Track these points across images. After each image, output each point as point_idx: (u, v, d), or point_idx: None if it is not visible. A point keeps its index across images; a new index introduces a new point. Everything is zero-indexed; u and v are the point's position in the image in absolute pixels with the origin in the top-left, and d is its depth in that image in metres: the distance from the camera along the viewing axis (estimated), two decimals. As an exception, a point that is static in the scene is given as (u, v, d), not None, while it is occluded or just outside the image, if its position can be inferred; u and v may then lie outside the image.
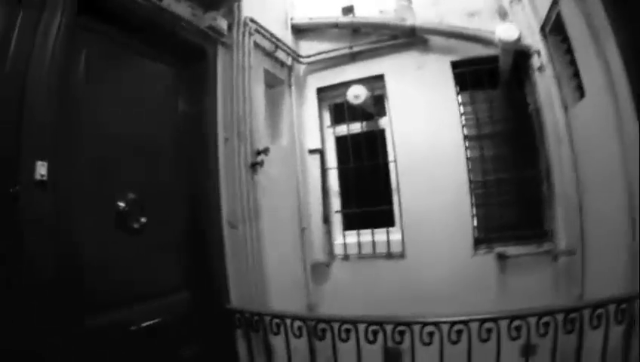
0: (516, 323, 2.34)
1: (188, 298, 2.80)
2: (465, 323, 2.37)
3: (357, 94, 4.13)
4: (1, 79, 1.86)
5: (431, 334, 2.39)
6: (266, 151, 3.41)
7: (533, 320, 2.32)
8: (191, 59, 3.08)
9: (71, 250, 2.11)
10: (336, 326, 2.58)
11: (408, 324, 2.45)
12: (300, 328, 2.69)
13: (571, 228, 3.51)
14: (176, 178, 2.90)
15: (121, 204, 2.42)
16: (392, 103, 4.31)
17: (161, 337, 2.48)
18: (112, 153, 2.44)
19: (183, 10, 2.90)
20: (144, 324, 2.37)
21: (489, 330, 2.34)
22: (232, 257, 3.03)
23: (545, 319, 2.32)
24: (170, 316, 2.56)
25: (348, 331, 2.54)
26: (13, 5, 1.97)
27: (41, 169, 1.93)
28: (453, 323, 2.38)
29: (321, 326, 2.61)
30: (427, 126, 4.11)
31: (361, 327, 2.52)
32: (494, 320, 2.36)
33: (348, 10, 4.44)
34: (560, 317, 2.34)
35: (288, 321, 2.72)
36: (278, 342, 2.80)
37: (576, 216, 3.48)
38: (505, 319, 2.35)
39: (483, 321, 2.36)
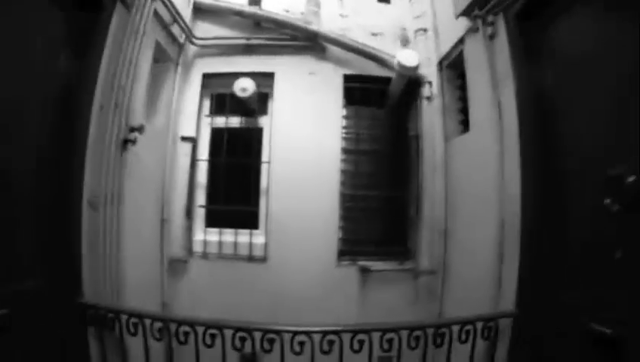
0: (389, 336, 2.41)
1: (37, 287, 2.30)
2: (307, 333, 2.38)
3: (244, 87, 3.97)
4: None
5: (271, 342, 2.36)
6: (141, 129, 3.07)
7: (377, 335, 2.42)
8: (84, 8, 2.61)
9: None
10: (200, 330, 2.40)
11: (249, 331, 2.38)
12: (160, 330, 2.44)
13: (434, 250, 3.80)
14: (37, 140, 2.38)
15: None
16: (276, 103, 4.23)
17: (10, 330, 2.01)
18: None
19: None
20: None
21: (331, 342, 2.37)
22: (87, 243, 2.58)
23: (416, 333, 2.45)
24: (16, 306, 2.07)
25: (213, 336, 2.38)
26: None
27: None
28: (294, 333, 2.37)
29: (184, 328, 2.40)
30: (307, 132, 4.13)
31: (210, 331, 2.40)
32: (366, 331, 2.41)
33: (255, 1, 4.26)
34: (430, 331, 2.50)
35: (147, 321, 2.45)
36: (134, 343, 2.52)
37: (440, 239, 3.77)
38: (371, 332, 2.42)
39: (332, 332, 2.38)
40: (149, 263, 3.57)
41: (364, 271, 3.88)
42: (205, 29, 4.29)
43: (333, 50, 4.19)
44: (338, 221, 4.02)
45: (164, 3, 3.41)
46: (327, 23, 4.23)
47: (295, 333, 2.36)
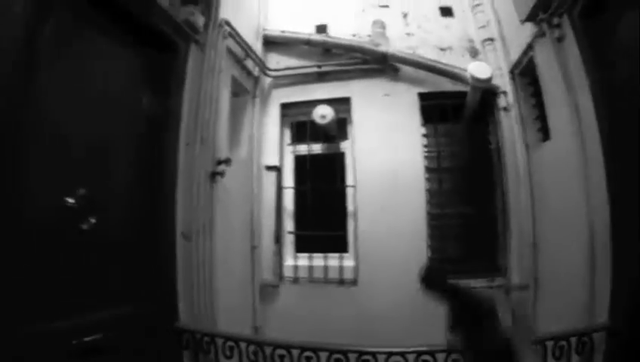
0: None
1: (134, 313, 2.45)
2: (402, 354, 2.33)
3: (323, 114, 4.03)
4: None
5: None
6: (227, 161, 3.22)
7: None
8: (161, 51, 2.82)
9: (11, 242, 1.77)
10: (295, 353, 2.41)
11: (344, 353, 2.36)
12: (255, 353, 2.48)
13: (524, 264, 3.56)
14: (130, 179, 2.58)
15: (70, 200, 2.10)
16: (355, 127, 4.23)
17: (104, 353, 2.15)
18: (65, 140, 2.12)
19: (162, -3, 2.67)
20: (87, 339, 2.06)
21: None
22: (182, 271, 2.74)
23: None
24: (112, 332, 2.22)
25: (308, 359, 2.38)
26: None
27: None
28: (390, 354, 2.34)
29: (279, 351, 2.42)
30: (389, 154, 4.07)
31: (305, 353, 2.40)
32: (431, 353, 2.32)
33: (321, 28, 4.38)
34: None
35: (243, 345, 2.50)
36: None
37: (530, 252, 3.53)
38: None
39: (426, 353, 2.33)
40: (240, 289, 3.67)
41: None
42: (277, 60, 4.44)
43: (405, 69, 4.16)
44: (426, 240, 3.91)
45: (235, 40, 3.56)
46: (395, 43, 4.22)
47: (390, 354, 2.32)
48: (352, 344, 2.39)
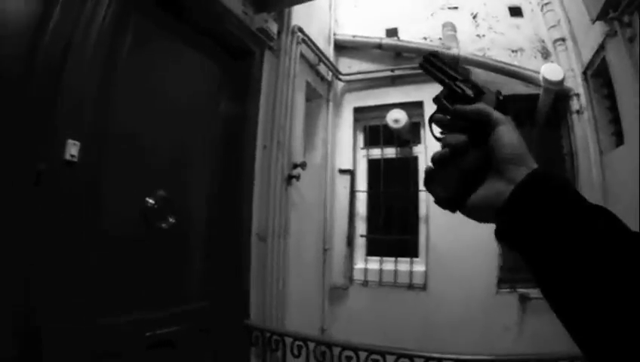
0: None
1: (207, 308, 2.60)
2: None
3: (397, 118, 4.02)
4: (41, 49, 1.73)
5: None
6: (303, 165, 3.31)
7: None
8: (237, 58, 2.96)
9: (93, 239, 1.94)
10: (363, 355, 2.41)
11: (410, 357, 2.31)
12: (322, 353, 2.53)
13: None
14: (210, 181, 2.75)
15: (150, 201, 2.26)
16: (429, 131, 4.14)
17: (176, 346, 2.30)
18: (146, 144, 2.29)
19: (235, 6, 2.78)
20: (159, 331, 2.21)
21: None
22: (255, 271, 2.86)
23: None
24: (186, 325, 2.38)
25: (349, 358, 2.41)
26: None
27: (72, 148, 1.79)
28: (455, 361, 2.28)
29: (347, 353, 2.44)
30: None
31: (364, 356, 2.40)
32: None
33: (392, 32, 4.36)
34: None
35: (311, 345, 2.55)
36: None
37: None
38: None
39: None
40: (311, 290, 3.73)
41: (524, 298, 3.60)
42: (349, 65, 4.47)
43: (477, 72, 4.03)
44: (497, 248, 3.78)
45: (308, 45, 3.63)
46: (466, 45, 4.11)
47: (456, 361, 2.28)
48: (419, 349, 2.37)
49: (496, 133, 0.59)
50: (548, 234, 0.50)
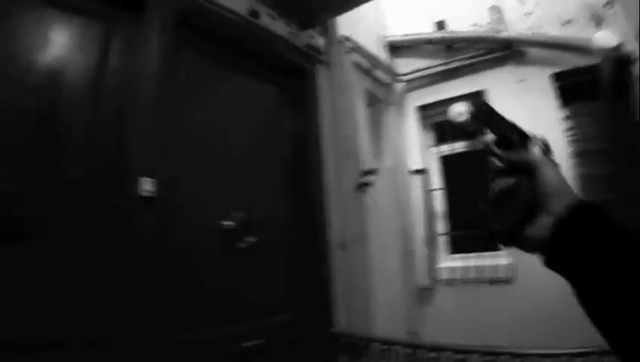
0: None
1: (293, 319, 2.70)
2: (555, 356, 2.18)
3: (460, 112, 3.92)
4: (103, 95, 1.93)
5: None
6: (374, 171, 3.33)
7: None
8: (291, 77, 3.07)
9: (177, 268, 2.10)
10: (446, 356, 2.38)
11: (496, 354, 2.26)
12: (409, 356, 2.52)
13: None
14: (284, 197, 2.87)
15: (229, 223, 2.41)
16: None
17: (262, 358, 2.40)
18: (218, 171, 2.44)
19: (280, 29, 2.90)
20: (245, 344, 2.31)
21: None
22: (338, 279, 2.92)
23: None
24: (273, 337, 2.48)
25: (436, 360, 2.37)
26: (109, 22, 2.03)
27: (147, 185, 1.94)
28: (542, 356, 2.19)
29: (431, 354, 2.43)
30: None
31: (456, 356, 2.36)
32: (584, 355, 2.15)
33: (440, 25, 4.29)
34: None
35: (399, 348, 2.55)
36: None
37: None
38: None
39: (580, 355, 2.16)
40: (395, 294, 3.70)
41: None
42: (404, 64, 4.43)
43: (532, 51, 3.87)
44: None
45: (358, 52, 3.66)
46: (516, 26, 3.94)
47: (543, 356, 2.19)
48: (505, 346, 2.30)
49: (538, 173, 0.67)
50: (588, 265, 0.57)
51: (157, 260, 1.95)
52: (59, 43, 1.86)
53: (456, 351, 2.36)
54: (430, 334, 3.78)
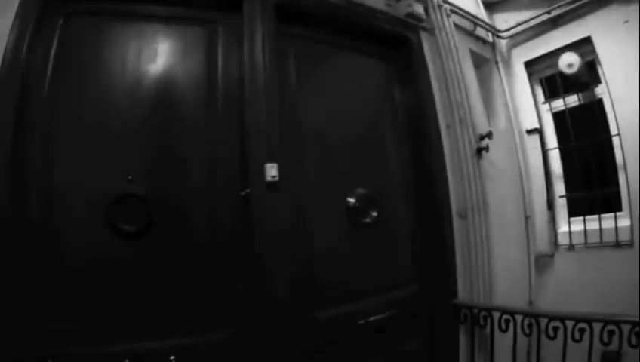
0: None
1: (415, 292, 2.76)
2: None
3: (570, 62, 3.65)
4: (216, 95, 2.13)
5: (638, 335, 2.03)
6: (489, 135, 3.24)
7: None
8: (396, 49, 3.06)
9: (305, 249, 2.25)
10: (570, 324, 2.29)
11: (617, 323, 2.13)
12: (529, 325, 2.46)
13: None
14: (401, 170, 2.91)
15: (352, 200, 2.51)
16: (605, 68, 3.67)
17: (388, 331, 2.49)
18: (335, 150, 2.54)
19: (377, 2, 2.89)
20: (372, 318, 2.40)
21: None
22: (460, 250, 2.92)
23: None
24: (397, 310, 2.56)
25: (582, 331, 2.24)
26: (211, 25, 2.21)
27: (271, 170, 2.09)
28: None
29: (554, 324, 2.36)
30: None
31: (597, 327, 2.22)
32: None
33: (535, -29, 3.97)
34: None
35: (519, 318, 2.51)
36: (501, 339, 2.64)
37: None
38: None
39: None
40: (515, 262, 3.60)
41: None
42: (504, 19, 4.18)
43: None
44: None
45: (458, 14, 3.53)
46: None
47: None
48: (626, 313, 2.18)
49: None
50: None
51: (288, 242, 2.12)
52: (166, 53, 2.06)
53: (578, 320, 2.27)
54: (550, 303, 3.63)
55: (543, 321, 2.44)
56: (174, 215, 1.93)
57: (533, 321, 2.45)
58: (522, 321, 2.49)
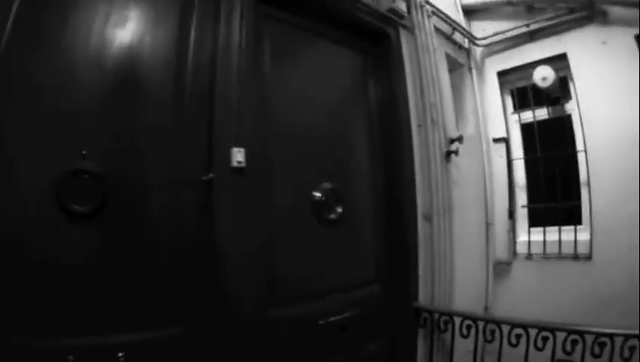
0: None
1: (377, 293, 2.70)
2: None
3: (544, 76, 3.70)
4: (187, 69, 1.95)
5: (602, 345, 2.08)
6: (460, 139, 3.22)
7: None
8: (374, 43, 2.98)
9: (266, 241, 2.12)
10: (533, 332, 2.31)
11: (581, 333, 2.15)
12: (492, 332, 2.45)
13: None
14: (369, 167, 2.82)
15: (318, 194, 2.40)
16: (578, 85, 3.74)
17: (347, 332, 2.40)
18: (304, 141, 2.42)
19: (362, -6, 2.81)
20: (332, 319, 2.32)
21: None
22: (423, 252, 2.87)
23: None
24: (357, 310, 2.47)
25: (545, 339, 2.26)
26: (187, 2, 2.03)
27: (238, 155, 1.95)
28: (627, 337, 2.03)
29: (517, 331, 2.36)
30: (620, 111, 3.47)
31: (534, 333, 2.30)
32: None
33: (517, -16, 4.01)
34: None
35: (481, 324, 2.50)
36: (460, 344, 2.63)
37: None
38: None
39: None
40: (473, 267, 3.61)
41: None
42: (481, 27, 4.21)
43: (614, 10, 3.54)
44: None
45: (438, 16, 3.51)
46: None
47: (626, 337, 2.05)
48: (588, 324, 2.19)
49: None
50: None
51: (249, 232, 1.98)
52: (136, 22, 1.86)
53: (544, 329, 2.28)
54: (506, 310, 3.64)
55: (505, 328, 2.43)
56: (129, 198, 1.73)
57: (496, 328, 2.44)
58: (485, 327, 2.48)
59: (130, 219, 1.72)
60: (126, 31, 1.82)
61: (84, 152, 1.61)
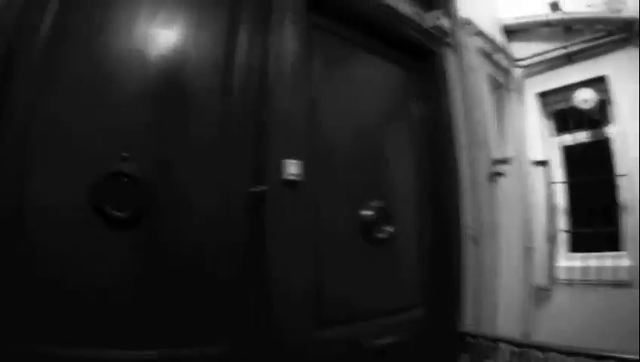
0: None
1: (422, 317, 2.59)
2: None
3: (585, 98, 3.66)
4: (235, 75, 1.90)
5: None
6: (506, 160, 3.19)
7: None
8: (418, 59, 2.93)
9: (314, 257, 2.04)
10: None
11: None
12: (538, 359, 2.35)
13: None
14: (417, 186, 2.75)
15: (368, 212, 2.33)
16: (617, 107, 3.71)
17: (390, 356, 2.29)
18: (352, 156, 2.37)
19: (406, 9, 2.78)
20: (376, 342, 2.22)
21: None
22: (469, 275, 2.78)
23: None
24: (402, 334, 2.38)
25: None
26: (236, 9, 1.98)
27: (292, 167, 1.89)
28: None
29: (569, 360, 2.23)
30: None
31: None
32: None
33: (554, 6, 3.96)
34: None
35: (532, 352, 2.37)
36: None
37: None
38: None
39: None
40: (514, 292, 3.51)
41: None
42: (519, 48, 4.17)
43: None
44: None
45: (480, 36, 3.48)
46: (635, 3, 3.50)
47: None
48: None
49: None
50: None
51: (301, 250, 1.93)
52: (184, 24, 1.82)
53: (591, 356, 2.15)
54: (546, 336, 3.50)
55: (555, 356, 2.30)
56: (172, 206, 1.66)
57: (544, 357, 2.34)
58: (534, 356, 2.37)
59: (170, 228, 1.65)
60: (173, 34, 1.78)
61: (125, 155, 1.55)
